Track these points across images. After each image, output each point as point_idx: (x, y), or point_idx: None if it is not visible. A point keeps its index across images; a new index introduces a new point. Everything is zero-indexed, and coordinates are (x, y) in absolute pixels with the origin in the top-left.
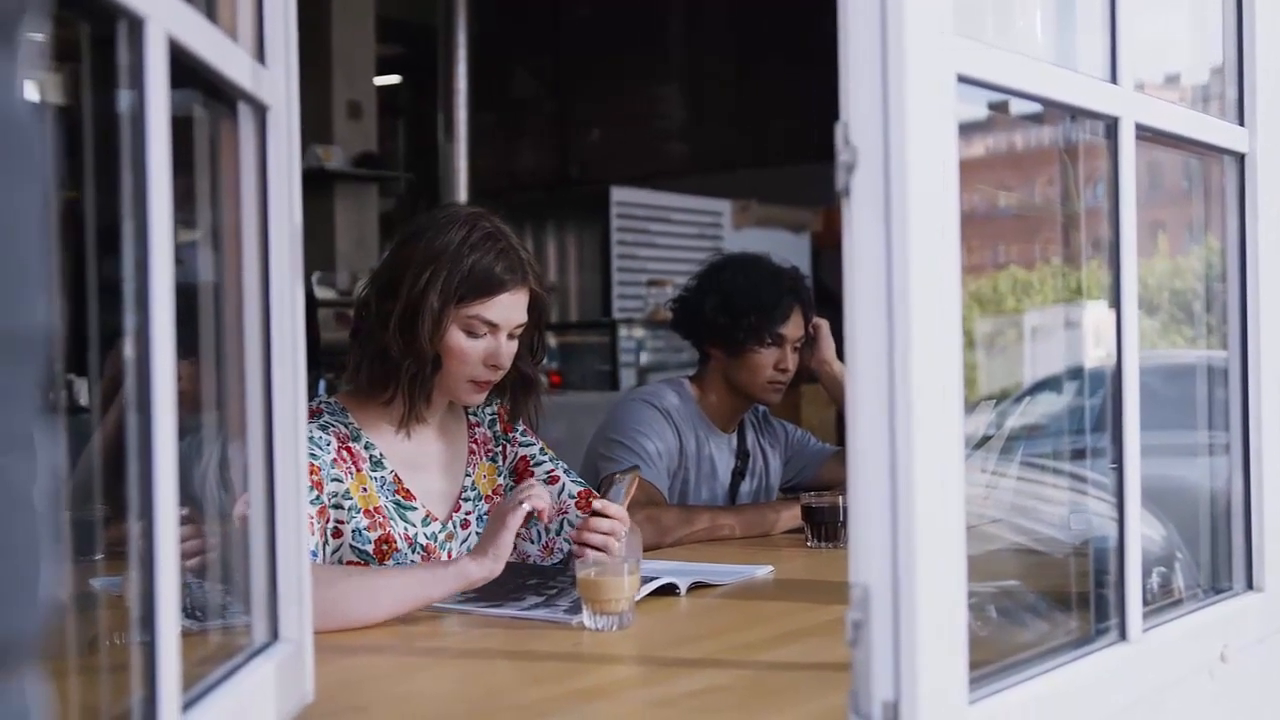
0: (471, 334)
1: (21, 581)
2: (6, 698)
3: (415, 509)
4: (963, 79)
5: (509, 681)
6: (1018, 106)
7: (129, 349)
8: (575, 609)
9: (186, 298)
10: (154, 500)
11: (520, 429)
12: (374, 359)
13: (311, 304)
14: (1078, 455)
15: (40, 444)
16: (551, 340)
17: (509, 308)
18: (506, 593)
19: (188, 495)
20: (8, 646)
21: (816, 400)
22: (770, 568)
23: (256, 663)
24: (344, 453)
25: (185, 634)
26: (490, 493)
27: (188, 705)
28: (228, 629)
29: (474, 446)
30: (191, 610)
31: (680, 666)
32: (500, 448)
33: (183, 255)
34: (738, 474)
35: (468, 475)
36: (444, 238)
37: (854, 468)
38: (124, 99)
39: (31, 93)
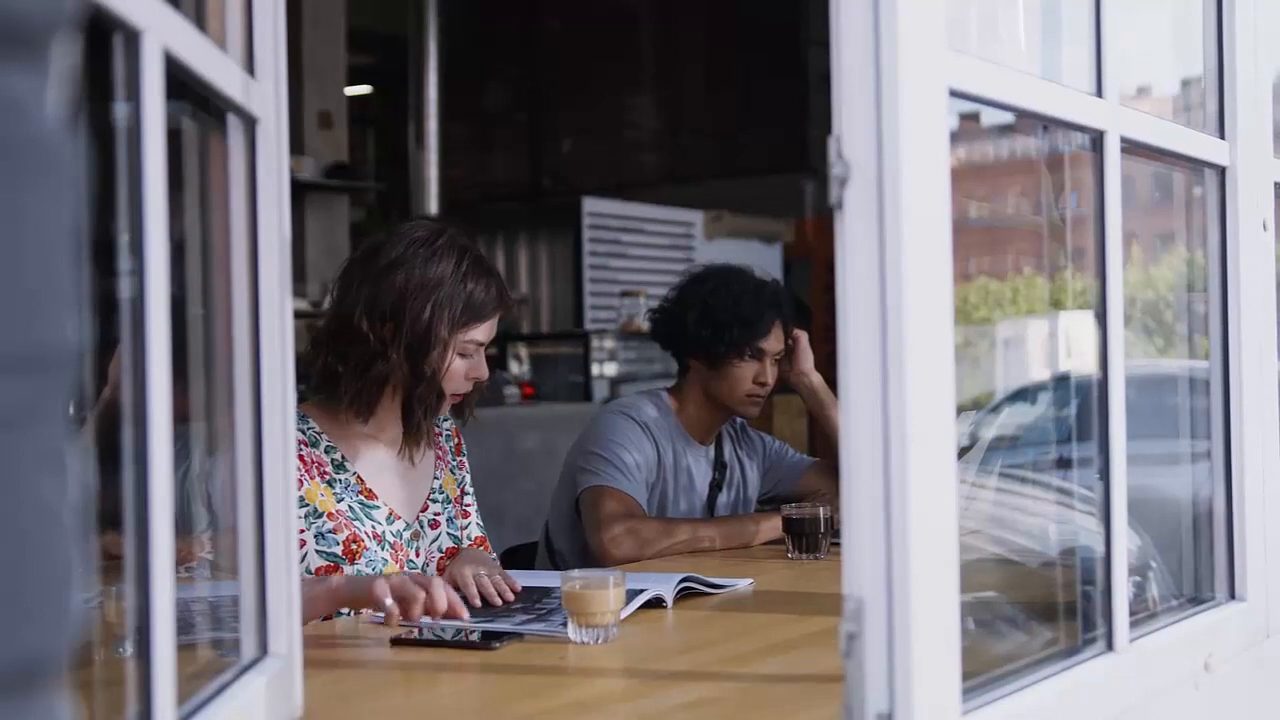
0: (463, 355)
1: (53, 599)
2: (38, 715)
3: (378, 507)
4: (954, 93)
5: (497, 696)
6: (988, 117)
7: (125, 363)
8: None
9: (174, 309)
10: (149, 515)
11: (457, 459)
12: (375, 384)
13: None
14: (1056, 466)
15: (69, 461)
16: (523, 351)
17: (494, 326)
18: (496, 611)
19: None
20: (40, 664)
21: (789, 410)
22: (750, 580)
23: (247, 678)
24: (297, 461)
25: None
26: (453, 499)
27: None
28: (214, 643)
29: (440, 452)
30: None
31: (668, 679)
32: (457, 461)
33: (171, 267)
34: (715, 486)
35: (436, 478)
36: (437, 268)
37: (847, 480)
38: (119, 110)
39: (62, 110)
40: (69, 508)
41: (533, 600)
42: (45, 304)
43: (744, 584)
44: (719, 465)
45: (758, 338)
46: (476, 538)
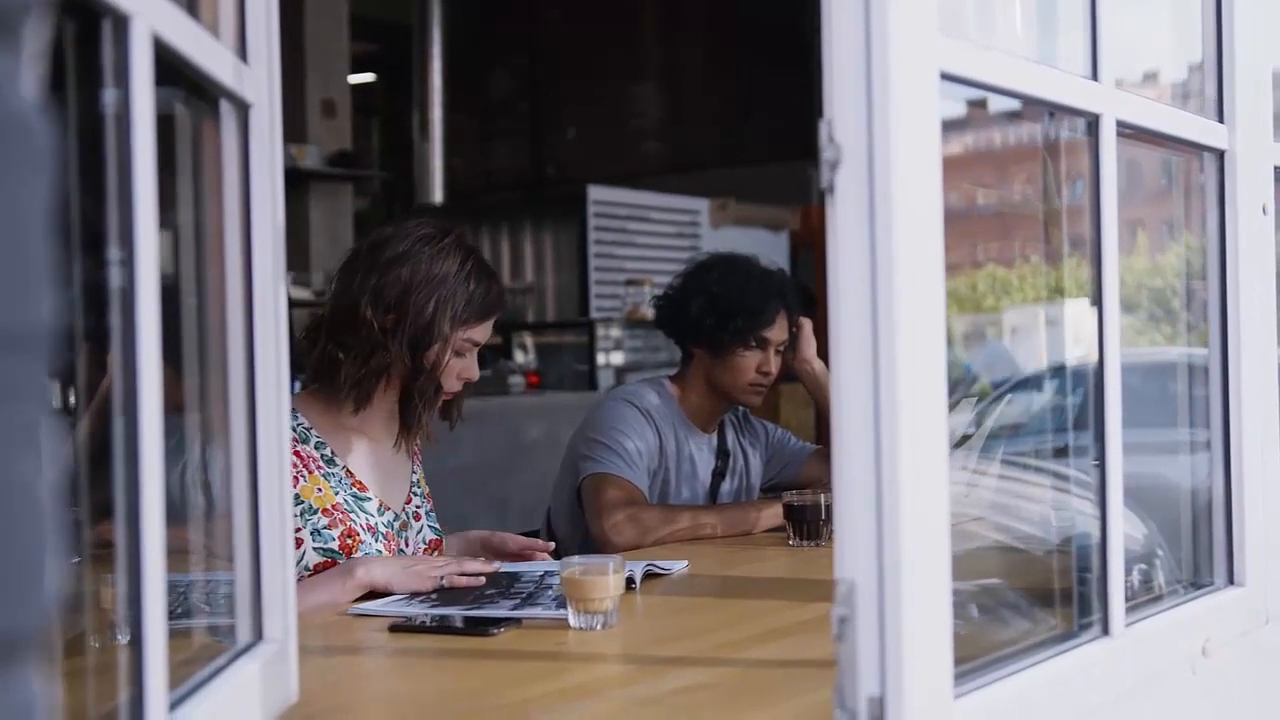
0: (458, 354)
1: (28, 576)
2: (13, 691)
3: (370, 499)
4: (946, 76)
5: (493, 681)
6: (996, 104)
7: (115, 352)
8: (563, 603)
9: (167, 299)
10: (140, 501)
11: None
12: (374, 374)
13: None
14: (1058, 453)
15: (46, 439)
16: (528, 340)
17: (490, 328)
18: (475, 598)
19: (167, 497)
20: (15, 641)
21: (795, 399)
22: (685, 563)
23: (241, 663)
24: (293, 456)
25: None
26: (428, 494)
27: (174, 705)
28: (210, 628)
29: (416, 449)
30: (172, 610)
31: (665, 665)
32: (420, 460)
33: (163, 255)
34: (718, 474)
35: (414, 472)
36: (442, 265)
37: (839, 464)
38: (108, 96)
39: (35, 90)
40: (45, 485)
41: (506, 585)
42: (18, 283)
43: (679, 566)
44: (722, 453)
45: (762, 327)
46: (431, 540)
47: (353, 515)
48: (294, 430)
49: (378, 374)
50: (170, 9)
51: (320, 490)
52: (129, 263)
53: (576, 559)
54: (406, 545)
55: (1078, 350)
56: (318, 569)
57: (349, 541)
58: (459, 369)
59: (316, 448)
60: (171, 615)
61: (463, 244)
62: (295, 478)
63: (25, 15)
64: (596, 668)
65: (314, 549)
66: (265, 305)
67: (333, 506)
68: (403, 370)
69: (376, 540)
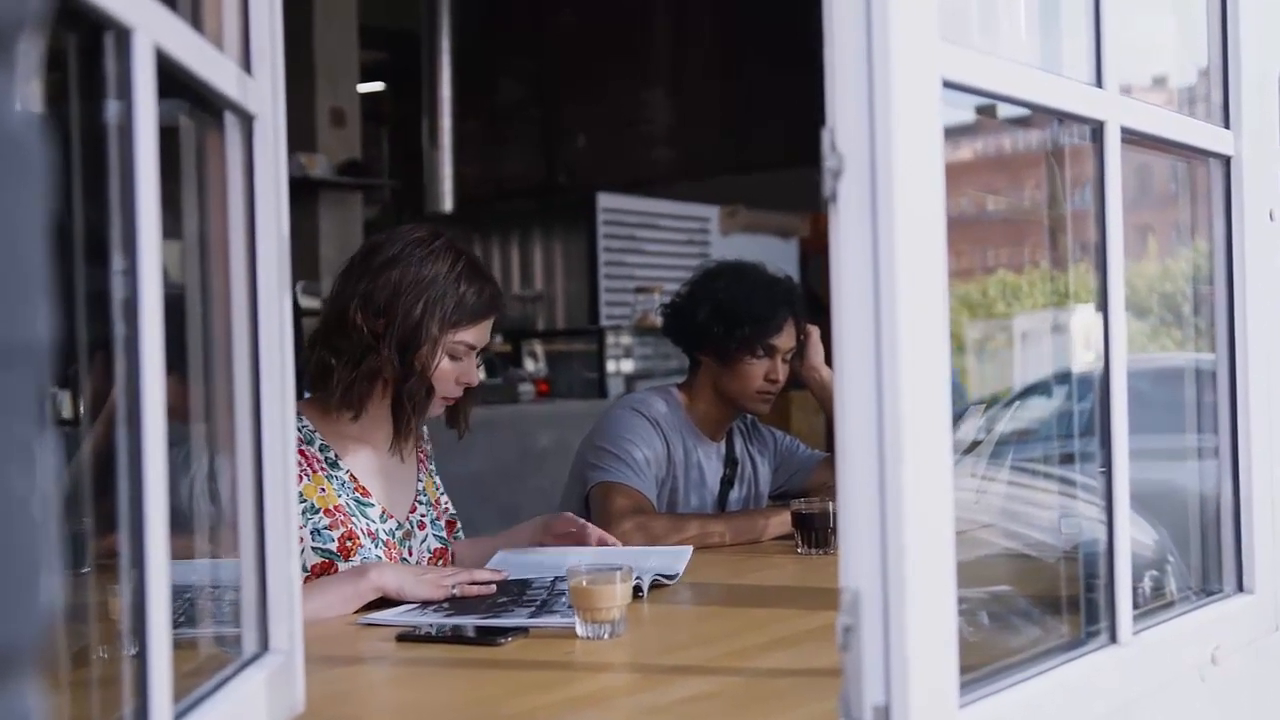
0: (453, 357)
1: (22, 590)
2: (10, 704)
3: (373, 505)
4: (949, 84)
5: (501, 691)
6: (1004, 110)
7: (118, 361)
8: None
9: (172, 309)
10: (144, 512)
11: (432, 464)
12: (365, 378)
13: (296, 313)
14: (1067, 459)
15: (40, 453)
16: (538, 348)
17: (487, 331)
18: (488, 607)
19: (175, 508)
20: (11, 654)
21: (806, 407)
22: (689, 549)
23: (247, 673)
24: (297, 456)
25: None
26: (434, 501)
27: (179, 716)
28: (216, 639)
29: (422, 457)
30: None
31: (672, 674)
32: (432, 465)
33: (168, 266)
34: (726, 482)
35: (419, 480)
36: (432, 267)
37: (843, 472)
38: (110, 109)
39: (30, 104)
40: (39, 500)
41: (518, 594)
42: (14, 298)
43: (684, 551)
44: (730, 461)
45: (769, 335)
46: (436, 549)
47: (354, 519)
48: (299, 431)
49: (369, 378)
50: (173, 21)
51: (323, 490)
52: (132, 273)
53: (584, 567)
54: (410, 554)
55: (1087, 356)
56: (315, 570)
57: (348, 544)
58: (456, 373)
59: (320, 450)
60: (176, 624)
61: (454, 247)
62: (299, 476)
63: (20, 31)
64: (604, 677)
65: (313, 548)
66: (270, 316)
67: (335, 508)
68: (393, 373)
69: (376, 546)
